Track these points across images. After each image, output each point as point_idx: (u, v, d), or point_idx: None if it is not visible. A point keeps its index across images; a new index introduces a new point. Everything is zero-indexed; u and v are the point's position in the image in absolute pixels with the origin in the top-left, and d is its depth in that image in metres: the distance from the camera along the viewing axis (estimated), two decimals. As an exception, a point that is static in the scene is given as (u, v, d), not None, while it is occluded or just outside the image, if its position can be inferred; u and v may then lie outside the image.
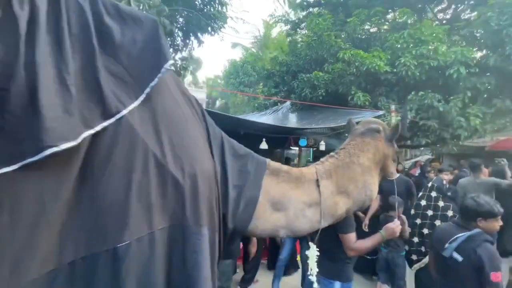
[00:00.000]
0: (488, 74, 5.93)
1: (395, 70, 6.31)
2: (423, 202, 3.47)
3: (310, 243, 1.49)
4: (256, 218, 1.23)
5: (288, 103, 8.15)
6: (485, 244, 1.87)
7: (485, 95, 6.30)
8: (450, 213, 3.22)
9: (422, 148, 13.94)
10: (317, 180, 1.41)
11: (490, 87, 5.93)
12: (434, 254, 2.27)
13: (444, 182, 4.27)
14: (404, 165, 8.54)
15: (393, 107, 5.31)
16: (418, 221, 3.40)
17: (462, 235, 1.96)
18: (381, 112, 5.52)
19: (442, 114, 5.99)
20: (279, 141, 5.71)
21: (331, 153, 1.60)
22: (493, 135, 10.55)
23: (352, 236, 1.91)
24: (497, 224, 1.97)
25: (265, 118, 7.71)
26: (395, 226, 1.79)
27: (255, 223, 1.24)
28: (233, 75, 17.99)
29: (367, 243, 1.88)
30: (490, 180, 4.41)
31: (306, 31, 8.96)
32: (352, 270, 2.09)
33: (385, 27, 8.30)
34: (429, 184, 3.81)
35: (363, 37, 8.03)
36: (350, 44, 7.38)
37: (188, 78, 34.12)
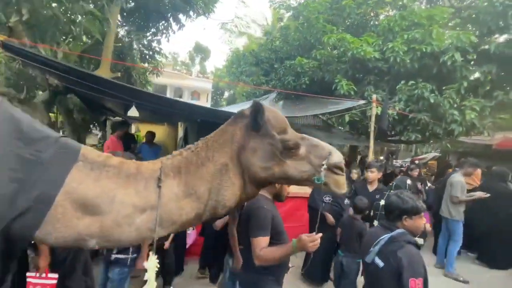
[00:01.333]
0: (489, 62, 5.23)
1: (384, 57, 5.73)
2: (381, 202, 3.30)
3: (150, 253, 1.18)
4: (51, 223, 0.94)
5: (275, 92, 7.71)
6: (407, 246, 1.65)
7: (487, 87, 5.61)
8: None
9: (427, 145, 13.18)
10: (159, 179, 1.09)
11: (490, 76, 5.24)
12: (362, 261, 2.00)
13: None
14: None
15: (374, 96, 4.79)
16: (376, 223, 3.24)
17: (384, 237, 1.71)
18: (362, 102, 5.02)
19: (434, 107, 5.40)
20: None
21: (189, 145, 1.24)
22: (499, 132, 9.73)
23: (260, 241, 1.62)
24: (422, 221, 1.77)
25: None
26: (309, 239, 1.45)
27: (49, 230, 0.95)
28: (235, 64, 17.55)
29: (276, 252, 1.59)
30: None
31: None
32: (274, 284, 1.74)
33: (384, 11, 7.60)
34: (393, 183, 3.65)
35: (358, 22, 7.38)
36: (343, 29, 6.81)
37: (196, 68, 34.05)
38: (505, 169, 5.03)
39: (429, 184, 5.64)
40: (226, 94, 30.00)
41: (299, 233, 1.52)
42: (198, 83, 26.93)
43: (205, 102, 25.62)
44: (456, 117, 5.28)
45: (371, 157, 5.10)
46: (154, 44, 6.42)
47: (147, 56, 6.37)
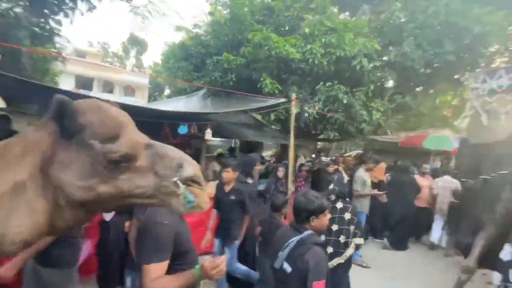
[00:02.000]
0: (388, 68, 5.95)
1: (305, 57, 5.99)
2: None
3: None
4: None
5: (205, 88, 7.38)
6: (314, 248, 1.60)
7: (392, 91, 6.39)
8: (347, 215, 3.01)
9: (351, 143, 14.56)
10: None
11: (391, 82, 5.96)
12: (271, 267, 1.85)
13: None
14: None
15: (293, 95, 4.92)
16: None
17: (293, 240, 1.65)
18: (282, 100, 5.10)
19: (347, 107, 5.87)
20: (152, 129, 4.65)
21: None
22: (402, 131, 11.41)
23: (153, 268, 1.23)
24: (327, 218, 1.78)
25: (174, 105, 6.84)
26: (211, 266, 1.18)
27: None
28: (172, 59, 16.58)
29: (173, 283, 1.22)
30: None
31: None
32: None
33: (310, 15, 8.02)
34: (330, 186, 3.39)
35: (286, 24, 7.60)
36: (272, 29, 6.90)
37: (131, 61, 31.10)
38: (408, 163, 5.80)
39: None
40: (168, 91, 28.17)
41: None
42: (132, 78, 24.60)
43: (141, 98, 23.57)
44: (365, 117, 5.83)
45: (292, 156, 5.23)
46: (54, 24, 5.35)
47: (44, 39, 5.26)
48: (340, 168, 6.49)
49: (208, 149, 8.44)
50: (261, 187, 4.08)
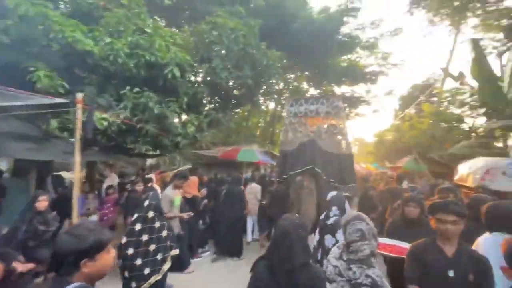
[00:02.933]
0: (203, 84, 6.12)
1: (108, 54, 4.87)
2: (138, 226, 2.94)
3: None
4: None
5: None
6: None
7: (206, 106, 6.59)
8: (164, 233, 3.11)
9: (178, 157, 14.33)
10: None
11: (205, 96, 6.13)
12: None
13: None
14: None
15: (80, 95, 3.67)
16: (130, 251, 2.82)
17: None
18: (59, 100, 3.67)
19: (160, 118, 5.33)
20: None
21: None
22: (225, 146, 12.78)
23: None
24: (110, 257, 1.26)
25: None
26: None
27: None
28: None
29: None
30: None
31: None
32: None
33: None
34: (146, 203, 3.03)
35: (85, 10, 6.06)
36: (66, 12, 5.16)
37: None
38: (239, 174, 6.26)
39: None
40: None
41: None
42: None
43: None
44: (179, 130, 5.52)
45: (77, 177, 3.86)
46: None
47: None
48: (155, 185, 5.80)
49: None
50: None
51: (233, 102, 7.40)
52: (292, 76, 18.58)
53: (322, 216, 2.87)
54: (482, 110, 9.62)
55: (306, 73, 16.68)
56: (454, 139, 10.02)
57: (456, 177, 5.59)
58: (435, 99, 16.14)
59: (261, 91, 7.13)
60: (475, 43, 7.75)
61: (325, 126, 4.74)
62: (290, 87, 18.69)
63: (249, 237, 6.24)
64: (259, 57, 5.85)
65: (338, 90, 14.61)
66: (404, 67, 11.54)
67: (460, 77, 9.12)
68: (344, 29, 10.10)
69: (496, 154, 8.62)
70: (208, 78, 6.02)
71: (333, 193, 3.09)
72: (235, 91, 6.69)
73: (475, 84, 9.03)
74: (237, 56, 5.83)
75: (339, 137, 4.73)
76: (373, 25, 10.97)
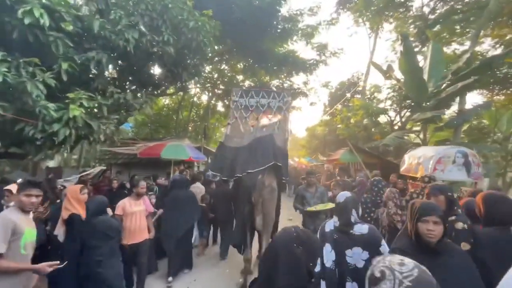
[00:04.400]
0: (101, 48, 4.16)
1: None
2: None
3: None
4: None
5: None
6: None
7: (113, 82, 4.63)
8: None
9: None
10: None
11: (105, 68, 4.21)
12: None
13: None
14: None
15: None
16: None
17: None
18: None
19: (16, 93, 3.25)
20: None
21: None
22: (145, 142, 10.61)
23: None
24: None
25: None
26: None
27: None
28: None
29: None
30: None
31: None
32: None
33: None
34: None
35: None
36: None
37: None
38: (184, 176, 5.31)
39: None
40: None
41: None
42: None
43: None
44: (54, 113, 3.53)
45: None
46: None
47: None
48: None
49: None
50: None
51: (150, 82, 5.59)
52: (227, 67, 17.29)
53: (330, 224, 2.11)
54: (406, 103, 10.47)
55: (241, 64, 15.63)
56: (382, 132, 10.65)
57: (402, 168, 5.31)
58: (359, 96, 17.39)
59: (188, 70, 5.54)
60: (405, 38, 7.99)
61: (277, 121, 4.47)
62: (225, 79, 17.38)
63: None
64: (183, 17, 4.28)
65: (277, 81, 14.03)
66: (342, 56, 11.72)
67: (388, 71, 9.50)
68: (283, 11, 9.39)
69: (418, 146, 9.29)
70: (105, 37, 4.11)
71: (346, 193, 2.16)
72: (152, 66, 4.98)
73: (402, 77, 9.57)
74: (152, 13, 4.14)
75: (286, 133, 4.48)
76: (311, 12, 10.64)
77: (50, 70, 3.65)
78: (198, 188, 5.48)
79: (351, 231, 1.95)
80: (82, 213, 3.33)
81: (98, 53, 4.05)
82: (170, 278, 4.12)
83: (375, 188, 4.06)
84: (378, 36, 18.11)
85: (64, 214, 3.25)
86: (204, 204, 5.32)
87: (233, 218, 4.43)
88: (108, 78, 4.82)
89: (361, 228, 1.96)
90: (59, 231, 3.52)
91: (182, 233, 4.25)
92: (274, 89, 13.79)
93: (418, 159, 4.77)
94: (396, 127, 10.75)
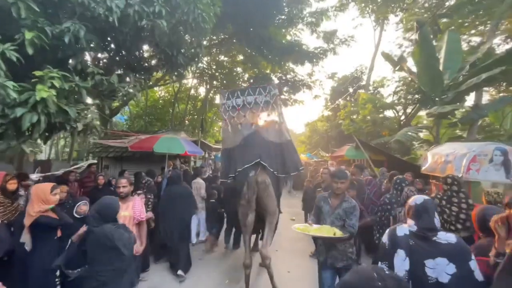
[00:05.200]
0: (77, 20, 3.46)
1: None
2: None
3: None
4: None
5: None
6: None
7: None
8: None
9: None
10: None
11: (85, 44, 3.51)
12: None
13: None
14: None
15: None
16: None
17: None
18: None
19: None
20: None
21: None
22: (138, 134, 9.93)
23: None
24: None
25: None
26: None
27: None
28: None
29: None
30: None
31: None
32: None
33: None
34: None
35: None
36: None
37: None
38: (178, 172, 5.13)
39: None
40: None
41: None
42: None
43: None
44: (12, 93, 2.85)
45: None
46: None
47: None
48: None
49: None
50: None
51: (140, 65, 4.90)
52: (226, 59, 16.54)
53: (404, 228, 1.75)
54: (414, 98, 9.89)
55: (241, 56, 14.88)
56: (390, 127, 10.07)
57: (424, 166, 4.72)
58: (362, 91, 16.78)
59: (184, 52, 4.86)
60: (422, 25, 7.34)
61: (266, 115, 4.40)
62: (224, 71, 16.63)
63: (193, 238, 5.63)
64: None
65: (279, 73, 13.28)
66: (351, 45, 10.88)
67: (399, 62, 8.86)
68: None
69: (429, 143, 8.72)
70: (87, 8, 3.42)
71: (424, 197, 1.83)
72: (141, 45, 4.31)
73: (410, 73, 8.95)
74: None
75: (277, 125, 4.31)
76: (318, -2, 9.92)
77: (12, 42, 2.96)
78: (198, 184, 5.67)
79: (434, 238, 1.63)
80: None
81: (75, 24, 3.35)
82: (180, 272, 4.08)
83: (398, 187, 3.62)
84: (384, 29, 17.46)
85: (27, 221, 2.62)
86: (213, 200, 5.57)
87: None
88: (89, 58, 4.12)
89: (447, 236, 1.64)
90: (26, 238, 2.90)
91: (179, 229, 4.28)
92: (276, 79, 13.09)
93: (446, 157, 4.18)
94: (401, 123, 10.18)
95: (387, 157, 8.67)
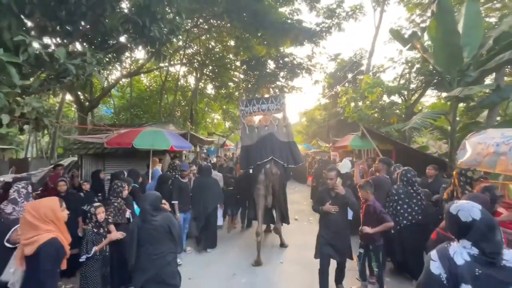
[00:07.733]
0: None
1: None
2: None
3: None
4: None
5: None
6: None
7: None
8: None
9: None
10: None
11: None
12: None
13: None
14: None
15: None
16: None
17: None
18: None
19: None
20: None
21: None
22: (117, 129, 8.86)
23: None
24: None
25: None
26: None
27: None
28: None
29: None
30: None
31: None
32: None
33: None
34: None
35: None
36: None
37: None
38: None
39: None
40: None
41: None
42: None
43: None
44: None
45: None
46: None
47: None
48: None
49: None
50: None
51: (99, 36, 3.81)
52: (216, 44, 15.31)
53: (461, 251, 1.35)
54: (428, 80, 8.99)
55: (233, 42, 13.69)
56: (399, 113, 9.23)
57: (463, 158, 3.84)
58: (361, 77, 15.83)
59: (159, 21, 3.78)
60: (441, -6, 6.32)
61: (276, 120, 5.38)
62: (214, 58, 15.40)
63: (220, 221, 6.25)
64: None
65: (275, 56, 12.16)
66: (364, 18, 9.90)
67: (411, 39, 7.89)
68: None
69: (441, 130, 7.86)
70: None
71: (478, 207, 1.39)
72: (102, 12, 3.22)
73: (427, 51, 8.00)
74: None
75: (285, 128, 5.39)
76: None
77: None
78: (217, 176, 6.24)
79: (503, 263, 1.28)
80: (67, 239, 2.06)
81: None
82: (210, 249, 5.10)
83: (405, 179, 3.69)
84: (384, 10, 16.36)
85: (28, 250, 1.74)
86: (231, 188, 6.40)
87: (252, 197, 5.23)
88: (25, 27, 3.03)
89: None
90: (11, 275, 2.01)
91: (208, 214, 5.13)
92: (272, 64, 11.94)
93: (496, 147, 3.30)
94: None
95: (394, 145, 7.83)
